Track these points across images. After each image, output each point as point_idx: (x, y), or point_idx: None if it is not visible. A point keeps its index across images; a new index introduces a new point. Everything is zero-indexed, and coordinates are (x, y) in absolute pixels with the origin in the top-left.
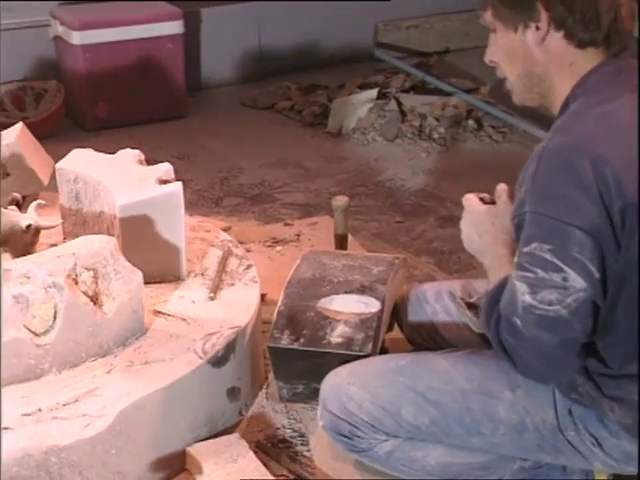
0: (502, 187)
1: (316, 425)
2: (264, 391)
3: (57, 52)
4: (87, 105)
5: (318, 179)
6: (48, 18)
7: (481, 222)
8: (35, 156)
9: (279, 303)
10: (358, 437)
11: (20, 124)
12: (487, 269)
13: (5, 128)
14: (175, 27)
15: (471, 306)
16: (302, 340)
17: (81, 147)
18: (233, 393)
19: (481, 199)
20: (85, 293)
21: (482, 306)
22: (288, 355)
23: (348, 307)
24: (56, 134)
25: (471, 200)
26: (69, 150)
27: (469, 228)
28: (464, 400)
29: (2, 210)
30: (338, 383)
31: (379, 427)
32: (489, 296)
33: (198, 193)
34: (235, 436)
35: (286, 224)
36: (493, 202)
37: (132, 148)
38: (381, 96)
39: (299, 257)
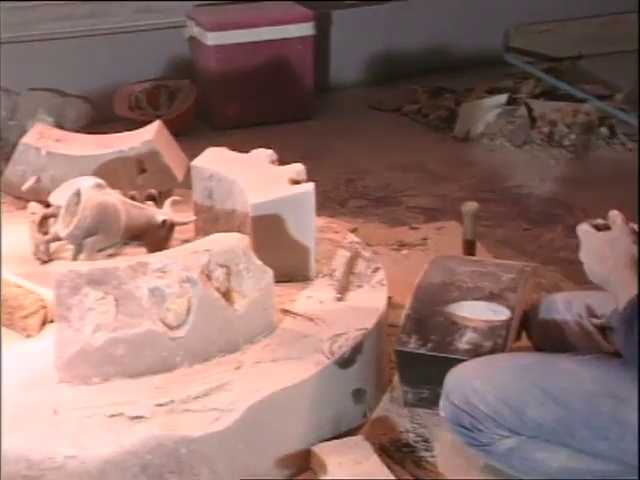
0: (615, 213)
1: (441, 431)
2: (388, 394)
3: (191, 52)
4: (218, 104)
5: (444, 183)
6: (184, 19)
7: (599, 250)
8: (171, 153)
9: (407, 307)
10: (479, 430)
11: (158, 122)
12: (614, 294)
13: (141, 125)
14: (306, 29)
15: (599, 327)
16: (429, 345)
17: (211, 146)
18: (358, 395)
19: (595, 226)
20: (217, 289)
21: (617, 325)
22: (415, 359)
23: (477, 314)
24: (187, 132)
25: (586, 229)
26: (199, 148)
27: (588, 258)
28: (592, 401)
29: (139, 205)
30: (463, 375)
31: (501, 422)
32: (625, 316)
33: (323, 194)
34: (359, 438)
35: (412, 228)
36: (608, 227)
37: (260, 148)
38: (510, 101)
39: (426, 261)
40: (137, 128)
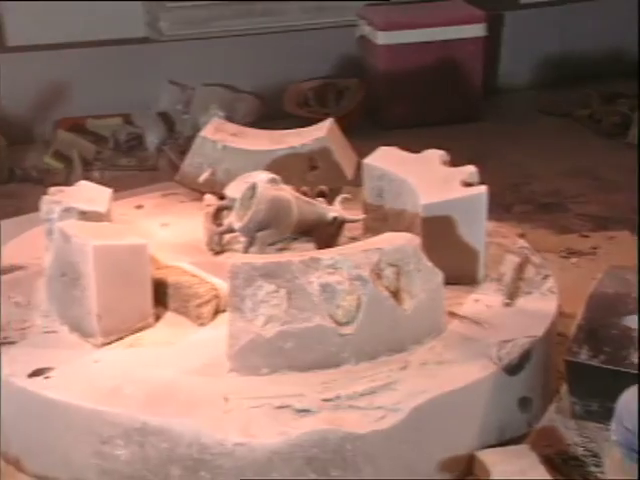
0: None
1: (611, 447)
2: (555, 405)
3: (361, 51)
4: (385, 104)
5: (616, 192)
6: (355, 18)
7: None
8: (341, 151)
9: (579, 317)
10: None
11: (330, 119)
12: None
13: (308, 123)
14: (477, 30)
15: None
16: (602, 357)
17: (377, 144)
18: (524, 403)
19: None
20: (387, 288)
21: None
22: (585, 371)
23: None
24: (354, 130)
25: None
26: (365, 147)
27: None
28: None
29: (311, 201)
30: (637, 398)
31: None
32: None
33: (489, 198)
34: (525, 447)
35: (581, 235)
36: None
37: (426, 148)
38: None
39: (597, 271)
40: (305, 125)
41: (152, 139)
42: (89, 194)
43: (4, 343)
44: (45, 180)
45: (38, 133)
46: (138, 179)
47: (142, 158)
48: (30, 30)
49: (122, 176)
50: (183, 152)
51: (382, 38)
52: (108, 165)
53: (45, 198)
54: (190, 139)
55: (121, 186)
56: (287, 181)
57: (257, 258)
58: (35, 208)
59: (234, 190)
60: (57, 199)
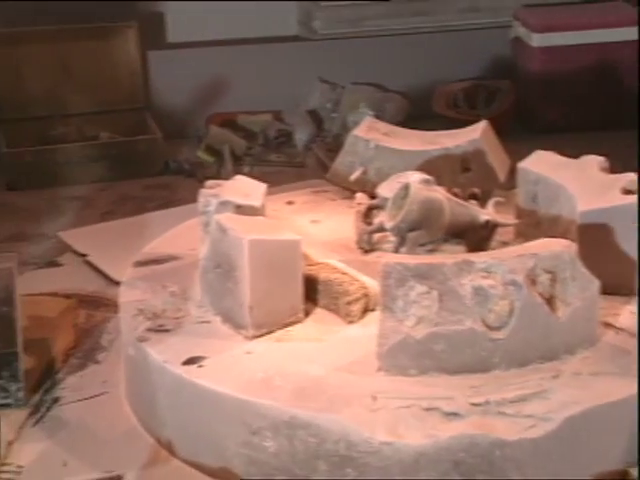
0: None
1: None
2: None
3: (514, 53)
4: (539, 107)
5: None
6: (509, 19)
7: None
8: (494, 154)
9: None
10: None
11: (484, 121)
12: None
13: (457, 124)
14: (637, 33)
15: None
16: None
17: (528, 148)
18: None
19: None
20: (541, 295)
21: None
22: None
23: None
24: (503, 133)
25: None
26: (516, 150)
27: None
28: None
29: (463, 203)
30: None
31: None
32: None
33: None
34: None
35: None
36: None
37: (579, 153)
38: None
39: None
40: (453, 126)
41: (301, 136)
42: (245, 188)
43: (160, 331)
44: (197, 173)
45: (192, 127)
46: (286, 175)
47: (290, 155)
48: (189, 28)
49: (270, 172)
50: (330, 150)
51: (537, 40)
52: (257, 161)
53: (202, 191)
54: (338, 137)
55: (269, 182)
56: (439, 182)
57: (409, 258)
58: (186, 200)
59: (386, 189)
60: (214, 192)
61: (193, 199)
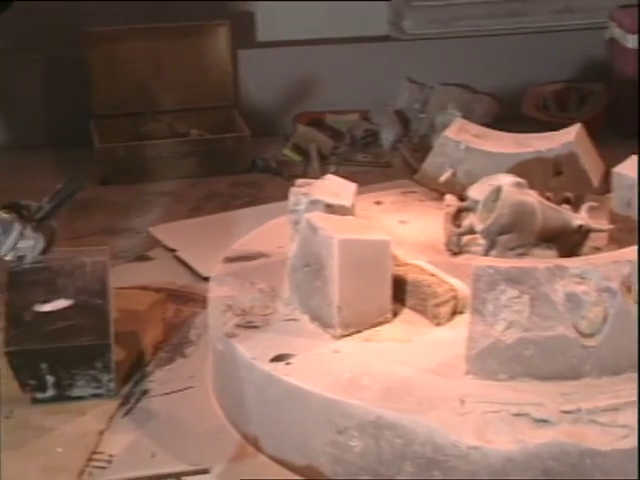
0: None
1: None
2: None
3: (609, 55)
4: (634, 111)
5: None
6: (605, 20)
7: None
8: (588, 157)
9: None
10: None
11: (578, 124)
12: None
13: (547, 127)
14: None
15: None
16: None
17: (619, 153)
18: None
19: None
20: (637, 302)
21: None
22: None
23: None
24: (595, 137)
25: None
26: (607, 154)
27: None
28: None
29: (555, 207)
30: None
31: None
32: None
33: None
34: None
35: None
36: None
37: None
38: None
39: None
40: (543, 129)
41: (387, 136)
42: (335, 188)
43: (248, 327)
44: (283, 172)
45: (279, 126)
46: (371, 175)
47: (377, 155)
48: (279, 27)
49: (356, 171)
50: (417, 150)
51: (633, 41)
52: (343, 160)
53: (293, 190)
54: (425, 138)
55: (355, 181)
56: (530, 185)
57: (501, 262)
58: (272, 198)
59: (477, 192)
60: (305, 191)
61: (279, 197)
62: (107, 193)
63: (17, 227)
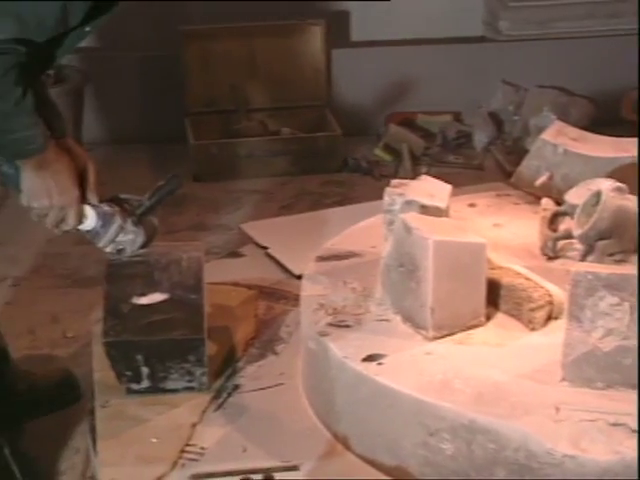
0: None
1: None
2: None
3: None
4: None
5: None
6: None
7: None
8: None
9: None
10: None
11: None
12: None
13: None
14: None
15: None
16: None
17: None
18: None
19: None
20: None
21: None
22: None
23: None
24: None
25: None
26: None
27: None
28: None
29: None
30: None
31: None
32: None
33: None
34: None
35: None
36: None
37: None
38: None
39: None
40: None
41: (480, 138)
42: (430, 189)
43: (340, 326)
44: (374, 171)
45: (371, 126)
46: (463, 177)
47: (469, 156)
48: (373, 26)
49: (447, 173)
50: (510, 153)
51: None
52: (435, 161)
53: (388, 190)
54: (518, 141)
55: (447, 183)
56: (631, 191)
57: (601, 268)
58: (362, 198)
59: (574, 196)
60: (400, 191)
61: (369, 197)
62: (199, 189)
63: (117, 220)
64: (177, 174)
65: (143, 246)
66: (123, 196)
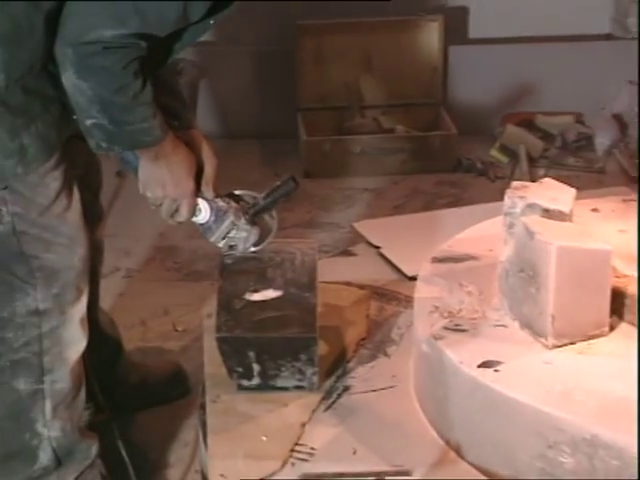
0: None
1: None
2: None
3: None
4: None
5: None
6: None
7: None
8: None
9: None
10: None
11: None
12: None
13: None
14: None
15: None
16: None
17: None
18: None
19: None
20: None
21: None
22: None
23: None
24: None
25: None
26: None
27: None
28: None
29: None
30: None
31: None
32: None
33: None
34: None
35: None
36: None
37: None
38: None
39: None
40: None
41: (602, 141)
42: (552, 192)
43: (456, 330)
44: (488, 172)
45: (487, 125)
46: (583, 181)
47: (589, 160)
48: (492, 23)
49: (567, 176)
50: (634, 157)
51: None
52: (553, 163)
53: (508, 192)
54: None
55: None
56: None
57: None
58: (475, 199)
59: None
60: (521, 194)
61: (483, 199)
62: (310, 186)
63: (230, 217)
64: (294, 176)
65: (256, 245)
66: (238, 192)
